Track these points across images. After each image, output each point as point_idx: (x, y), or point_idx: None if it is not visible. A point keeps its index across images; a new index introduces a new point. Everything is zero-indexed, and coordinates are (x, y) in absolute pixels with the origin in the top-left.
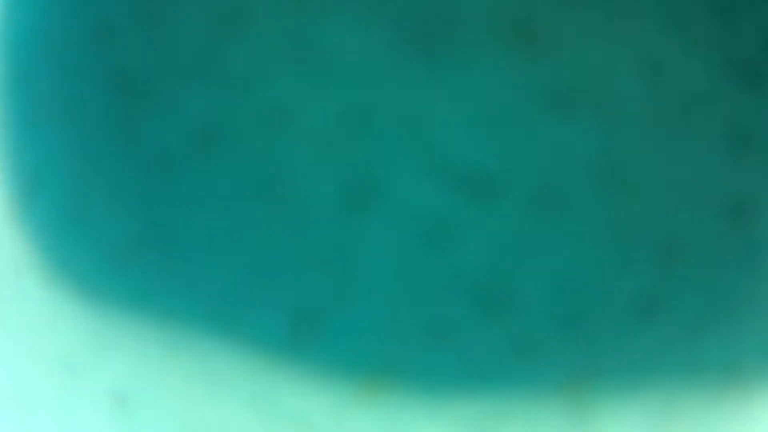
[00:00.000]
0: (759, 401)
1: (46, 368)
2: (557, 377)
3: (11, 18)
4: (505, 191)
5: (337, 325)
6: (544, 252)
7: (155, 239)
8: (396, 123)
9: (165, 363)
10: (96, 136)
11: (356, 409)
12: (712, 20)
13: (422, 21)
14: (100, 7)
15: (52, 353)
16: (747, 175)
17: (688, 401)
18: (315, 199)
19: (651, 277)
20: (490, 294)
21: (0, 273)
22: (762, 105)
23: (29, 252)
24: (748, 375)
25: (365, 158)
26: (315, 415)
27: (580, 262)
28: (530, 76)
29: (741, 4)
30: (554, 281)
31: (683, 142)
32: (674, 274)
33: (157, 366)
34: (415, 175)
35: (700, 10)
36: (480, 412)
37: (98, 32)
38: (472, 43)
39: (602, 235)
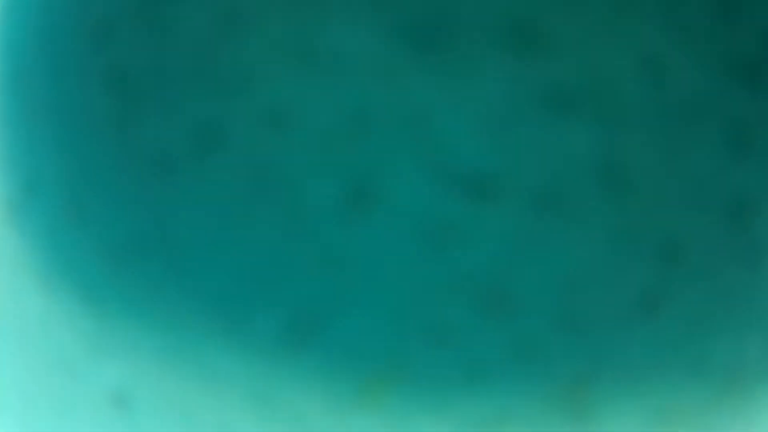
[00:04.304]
0: (759, 401)
1: (46, 368)
2: (558, 378)
3: (10, 18)
4: (505, 192)
5: (337, 326)
6: (544, 252)
7: (154, 239)
8: (396, 123)
9: (165, 363)
10: (95, 136)
11: (356, 411)
12: (712, 20)
13: (422, 21)
14: (99, 6)
15: (52, 353)
16: (747, 175)
17: (688, 401)
18: (315, 200)
19: (651, 277)
20: (490, 295)
21: None
22: (762, 105)
23: (28, 252)
24: (748, 375)
25: (365, 159)
26: (315, 416)
27: (580, 263)
28: (530, 76)
29: (741, 4)
30: (554, 282)
31: (683, 142)
32: (674, 273)
33: (157, 366)
34: (415, 176)
35: (700, 10)
36: (480, 412)
37: (97, 32)
38: (472, 43)
39: (603, 236)
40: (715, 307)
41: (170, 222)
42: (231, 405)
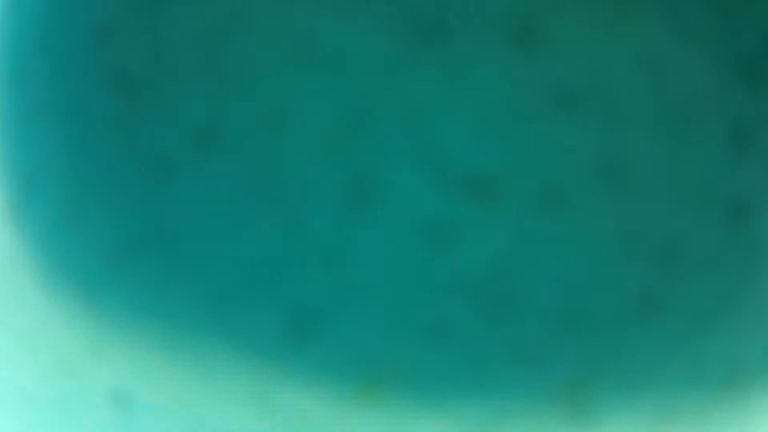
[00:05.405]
0: (759, 401)
1: (46, 368)
2: (557, 377)
3: (11, 18)
4: (506, 191)
5: (336, 326)
6: (544, 252)
7: (154, 239)
8: (396, 123)
9: (165, 363)
10: (95, 136)
11: (355, 410)
12: (712, 20)
13: (423, 21)
14: (100, 7)
15: (52, 353)
16: (747, 175)
17: (688, 401)
18: (315, 199)
19: (651, 277)
20: (490, 294)
21: None
22: (762, 105)
23: (28, 252)
24: (748, 375)
25: (365, 158)
26: (314, 415)
27: (580, 263)
28: (531, 75)
29: (741, 3)
30: (554, 282)
31: (684, 141)
32: (674, 273)
33: (157, 366)
34: (415, 175)
35: (701, 10)
36: (480, 412)
37: (98, 32)
38: (472, 43)
39: (603, 235)
40: (714, 307)
41: (170, 222)
42: (231, 405)
